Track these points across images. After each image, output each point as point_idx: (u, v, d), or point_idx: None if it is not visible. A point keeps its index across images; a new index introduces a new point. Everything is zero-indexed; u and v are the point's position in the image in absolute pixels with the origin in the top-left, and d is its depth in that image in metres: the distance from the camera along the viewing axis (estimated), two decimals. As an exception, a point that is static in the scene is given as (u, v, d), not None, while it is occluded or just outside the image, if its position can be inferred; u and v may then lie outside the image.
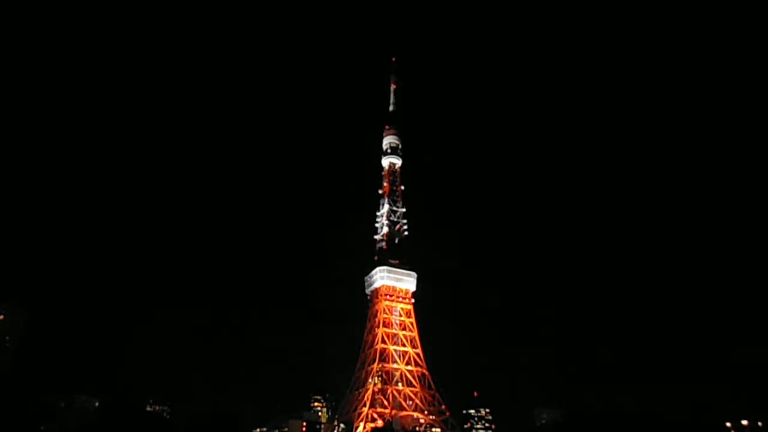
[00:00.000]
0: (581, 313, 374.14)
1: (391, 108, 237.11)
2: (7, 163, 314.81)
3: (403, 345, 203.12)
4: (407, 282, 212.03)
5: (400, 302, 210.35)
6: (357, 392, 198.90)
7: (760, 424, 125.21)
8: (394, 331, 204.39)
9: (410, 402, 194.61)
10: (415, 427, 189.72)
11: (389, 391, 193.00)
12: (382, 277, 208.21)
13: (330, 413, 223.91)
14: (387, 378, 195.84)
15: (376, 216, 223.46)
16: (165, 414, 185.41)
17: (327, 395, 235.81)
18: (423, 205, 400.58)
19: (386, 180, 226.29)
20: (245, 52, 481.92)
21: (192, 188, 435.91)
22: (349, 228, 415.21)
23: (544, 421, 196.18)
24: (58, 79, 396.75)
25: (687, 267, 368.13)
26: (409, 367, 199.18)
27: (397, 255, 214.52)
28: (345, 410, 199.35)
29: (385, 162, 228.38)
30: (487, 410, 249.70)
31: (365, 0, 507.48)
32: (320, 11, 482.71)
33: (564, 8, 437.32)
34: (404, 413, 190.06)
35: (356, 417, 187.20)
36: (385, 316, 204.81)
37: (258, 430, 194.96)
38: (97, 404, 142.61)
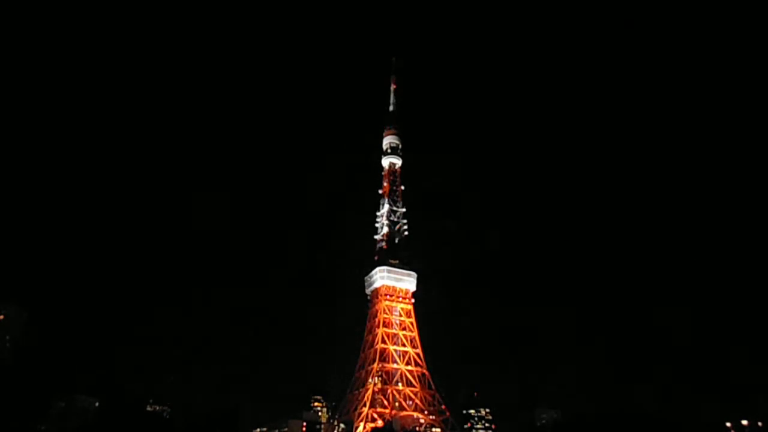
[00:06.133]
0: (581, 313, 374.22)
1: (391, 108, 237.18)
2: (7, 163, 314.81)
3: (403, 345, 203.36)
4: (407, 282, 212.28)
5: (400, 302, 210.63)
6: (357, 392, 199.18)
7: (760, 424, 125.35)
8: (394, 331, 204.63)
9: (410, 402, 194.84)
10: (415, 427, 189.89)
11: (389, 391, 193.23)
12: (382, 277, 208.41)
13: (330, 413, 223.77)
14: (387, 378, 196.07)
15: (376, 216, 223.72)
16: (165, 414, 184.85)
17: (327, 395, 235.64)
18: (423, 205, 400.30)
19: (386, 180, 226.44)
20: (245, 52, 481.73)
21: (191, 188, 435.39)
22: (349, 228, 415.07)
23: (544, 421, 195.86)
24: (57, 78, 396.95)
25: (687, 265, 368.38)
26: (409, 367, 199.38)
27: (397, 255, 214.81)
28: (345, 410, 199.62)
29: (385, 162, 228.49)
30: (487, 410, 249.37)
31: (365, 0, 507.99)
32: (320, 11, 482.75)
33: (564, 8, 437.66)
34: (404, 413, 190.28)
35: (356, 417, 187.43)
36: (385, 316, 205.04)
37: (258, 430, 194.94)
38: (97, 404, 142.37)
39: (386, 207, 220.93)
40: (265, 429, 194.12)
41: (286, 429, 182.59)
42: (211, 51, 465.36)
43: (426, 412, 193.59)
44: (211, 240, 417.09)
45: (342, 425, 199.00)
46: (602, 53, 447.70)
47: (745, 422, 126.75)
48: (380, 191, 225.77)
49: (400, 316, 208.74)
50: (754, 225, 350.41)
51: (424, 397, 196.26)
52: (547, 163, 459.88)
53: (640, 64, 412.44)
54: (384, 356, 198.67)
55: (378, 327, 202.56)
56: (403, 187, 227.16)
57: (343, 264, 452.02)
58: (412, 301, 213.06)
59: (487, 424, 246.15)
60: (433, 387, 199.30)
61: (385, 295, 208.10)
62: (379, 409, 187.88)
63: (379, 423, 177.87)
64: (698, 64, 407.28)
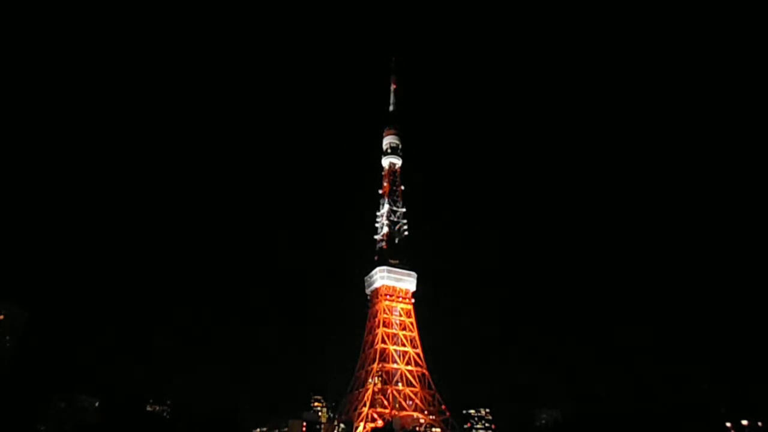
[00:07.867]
0: (581, 313, 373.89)
1: (391, 108, 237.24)
2: (7, 163, 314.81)
3: (403, 345, 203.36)
4: (407, 282, 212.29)
5: (400, 302, 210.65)
6: (357, 392, 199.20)
7: (760, 424, 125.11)
8: (394, 331, 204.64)
9: (410, 402, 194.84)
10: (415, 427, 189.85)
11: (389, 391, 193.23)
12: (382, 277, 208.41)
13: (330, 413, 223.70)
14: (387, 378, 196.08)
15: (376, 216, 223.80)
16: (165, 414, 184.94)
17: (327, 395, 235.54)
18: (423, 205, 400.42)
19: (386, 180, 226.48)
20: (245, 52, 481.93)
21: (191, 188, 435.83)
22: (349, 228, 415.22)
23: (544, 421, 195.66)
24: (57, 78, 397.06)
25: (687, 264, 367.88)
26: (409, 367, 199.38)
27: (397, 255, 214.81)
28: (345, 410, 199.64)
29: (385, 162, 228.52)
30: (487, 410, 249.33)
31: (365, 0, 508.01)
32: (320, 11, 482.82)
33: (564, 8, 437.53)
34: (404, 413, 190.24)
35: (356, 417, 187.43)
36: (385, 316, 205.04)
37: (258, 430, 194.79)
38: (97, 404, 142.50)
39: (386, 207, 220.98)
40: (265, 429, 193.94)
41: (286, 429, 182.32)
42: (211, 50, 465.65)
43: (426, 412, 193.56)
44: (210, 240, 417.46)
45: (342, 425, 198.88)
46: (602, 53, 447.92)
47: (745, 422, 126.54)
48: (380, 191, 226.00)
49: (400, 316, 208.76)
50: (754, 225, 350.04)
51: (424, 397, 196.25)
52: (547, 163, 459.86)
53: (640, 64, 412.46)
54: (384, 356, 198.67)
55: (378, 327, 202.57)
56: (403, 187, 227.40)
57: (343, 264, 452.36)
58: (412, 301, 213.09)
59: (487, 424, 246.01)
60: (433, 387, 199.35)
61: (385, 295, 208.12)
62: (379, 409, 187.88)
63: (379, 423, 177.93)
64: (698, 64, 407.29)
